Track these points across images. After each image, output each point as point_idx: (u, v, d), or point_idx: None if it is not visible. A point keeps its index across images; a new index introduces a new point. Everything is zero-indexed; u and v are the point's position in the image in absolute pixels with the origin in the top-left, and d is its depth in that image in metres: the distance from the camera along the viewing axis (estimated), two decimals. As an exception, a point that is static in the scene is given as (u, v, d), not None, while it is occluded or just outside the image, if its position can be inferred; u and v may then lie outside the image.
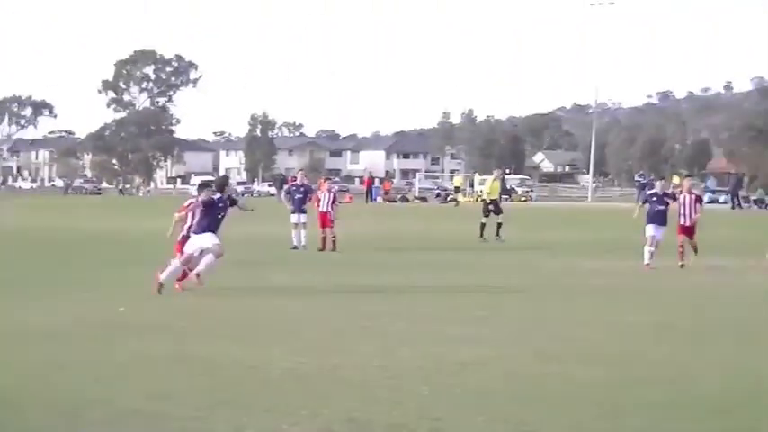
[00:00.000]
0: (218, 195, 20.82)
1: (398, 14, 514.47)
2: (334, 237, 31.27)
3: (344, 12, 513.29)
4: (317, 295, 20.52)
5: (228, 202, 21.05)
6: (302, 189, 32.85)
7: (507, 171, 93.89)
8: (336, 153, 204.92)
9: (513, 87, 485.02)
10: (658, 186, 28.19)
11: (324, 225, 31.64)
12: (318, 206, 32.10)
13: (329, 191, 33.17)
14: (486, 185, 39.80)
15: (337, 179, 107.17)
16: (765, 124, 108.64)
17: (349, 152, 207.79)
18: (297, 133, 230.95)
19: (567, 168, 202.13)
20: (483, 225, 36.07)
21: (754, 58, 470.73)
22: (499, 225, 35.74)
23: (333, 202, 32.35)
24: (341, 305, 18.71)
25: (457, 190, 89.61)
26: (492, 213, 36.39)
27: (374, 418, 9.28)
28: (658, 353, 13.43)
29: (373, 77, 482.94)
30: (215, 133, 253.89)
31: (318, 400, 10.12)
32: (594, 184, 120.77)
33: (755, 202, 74.25)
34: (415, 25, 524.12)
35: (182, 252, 20.13)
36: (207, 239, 19.98)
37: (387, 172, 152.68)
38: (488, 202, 37.53)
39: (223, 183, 22.55)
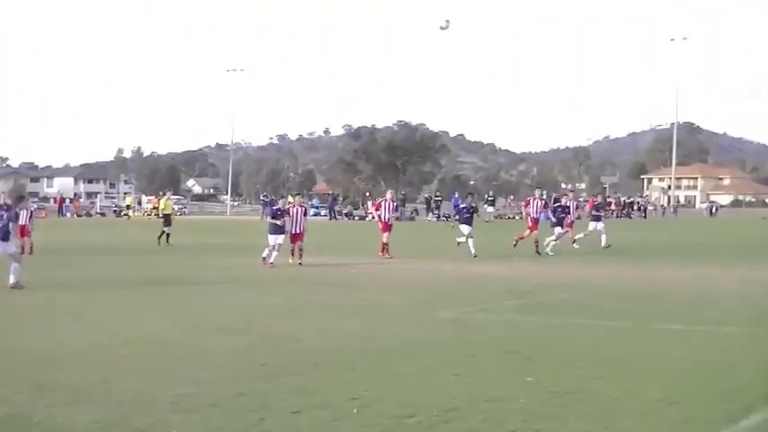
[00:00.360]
0: (7, 210, 20.25)
1: (78, 67, 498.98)
2: (31, 243, 29.77)
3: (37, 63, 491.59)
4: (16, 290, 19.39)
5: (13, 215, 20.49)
6: (4, 207, 31.40)
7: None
8: (35, 179, 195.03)
9: (171, 129, 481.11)
10: (281, 203, 28.64)
11: (23, 235, 30.20)
12: (18, 220, 30.81)
13: (27, 209, 31.75)
14: (161, 204, 39.36)
15: (36, 199, 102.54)
16: (352, 159, 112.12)
17: (45, 178, 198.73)
18: (4, 165, 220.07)
19: (211, 191, 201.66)
20: (163, 233, 35.59)
21: (346, 108, 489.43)
22: (168, 234, 35.28)
23: (30, 217, 30.98)
24: (36, 295, 17.73)
25: (128, 207, 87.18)
26: (166, 225, 36.00)
27: (59, 381, 8.96)
28: (276, 323, 13.61)
29: (61, 119, 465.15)
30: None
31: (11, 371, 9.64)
32: (232, 203, 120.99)
33: (346, 214, 76.55)
34: (94, 73, 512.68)
35: None
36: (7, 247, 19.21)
37: (75, 194, 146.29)
38: (162, 216, 37.15)
39: (20, 198, 21.60)
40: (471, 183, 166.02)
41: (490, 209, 70.82)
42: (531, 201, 32.39)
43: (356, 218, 74.14)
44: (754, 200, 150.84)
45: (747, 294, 18.00)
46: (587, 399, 8.36)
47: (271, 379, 9.18)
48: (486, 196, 72.82)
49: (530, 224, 31.16)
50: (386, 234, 28.89)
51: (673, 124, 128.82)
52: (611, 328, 13.27)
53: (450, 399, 8.22)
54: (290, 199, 28.40)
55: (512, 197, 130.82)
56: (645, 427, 7.33)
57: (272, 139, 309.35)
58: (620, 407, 7.99)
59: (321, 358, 10.43)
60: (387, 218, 29.20)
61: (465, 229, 29.52)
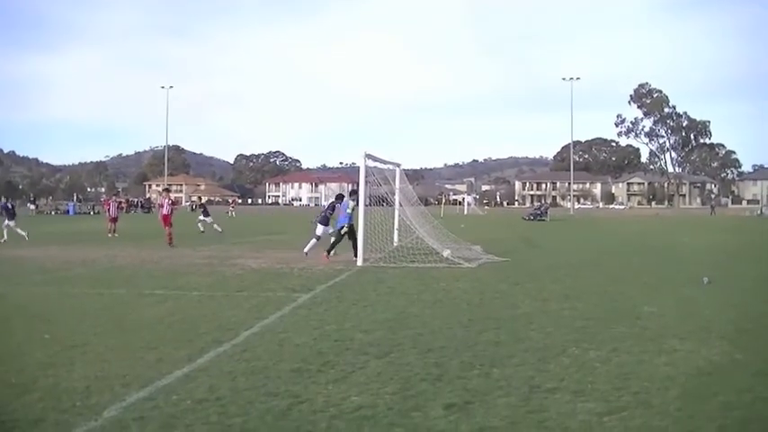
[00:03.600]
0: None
1: None
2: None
3: None
4: None
5: None
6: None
7: None
8: None
9: None
10: None
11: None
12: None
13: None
14: None
15: None
16: None
17: None
18: None
19: None
20: None
21: None
22: None
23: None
24: None
25: None
26: None
27: None
28: None
29: None
30: None
31: None
32: None
33: None
34: None
35: None
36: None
37: None
38: None
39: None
40: (20, 187, 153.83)
41: (32, 206, 72.39)
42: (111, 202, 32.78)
43: None
44: (220, 199, 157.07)
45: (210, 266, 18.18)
46: (89, 350, 8.02)
47: None
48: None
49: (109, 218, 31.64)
50: None
51: (165, 146, 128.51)
52: (112, 294, 12.78)
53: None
54: None
55: (51, 197, 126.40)
56: (131, 369, 7.17)
57: None
58: (114, 355, 7.77)
59: None
60: None
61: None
